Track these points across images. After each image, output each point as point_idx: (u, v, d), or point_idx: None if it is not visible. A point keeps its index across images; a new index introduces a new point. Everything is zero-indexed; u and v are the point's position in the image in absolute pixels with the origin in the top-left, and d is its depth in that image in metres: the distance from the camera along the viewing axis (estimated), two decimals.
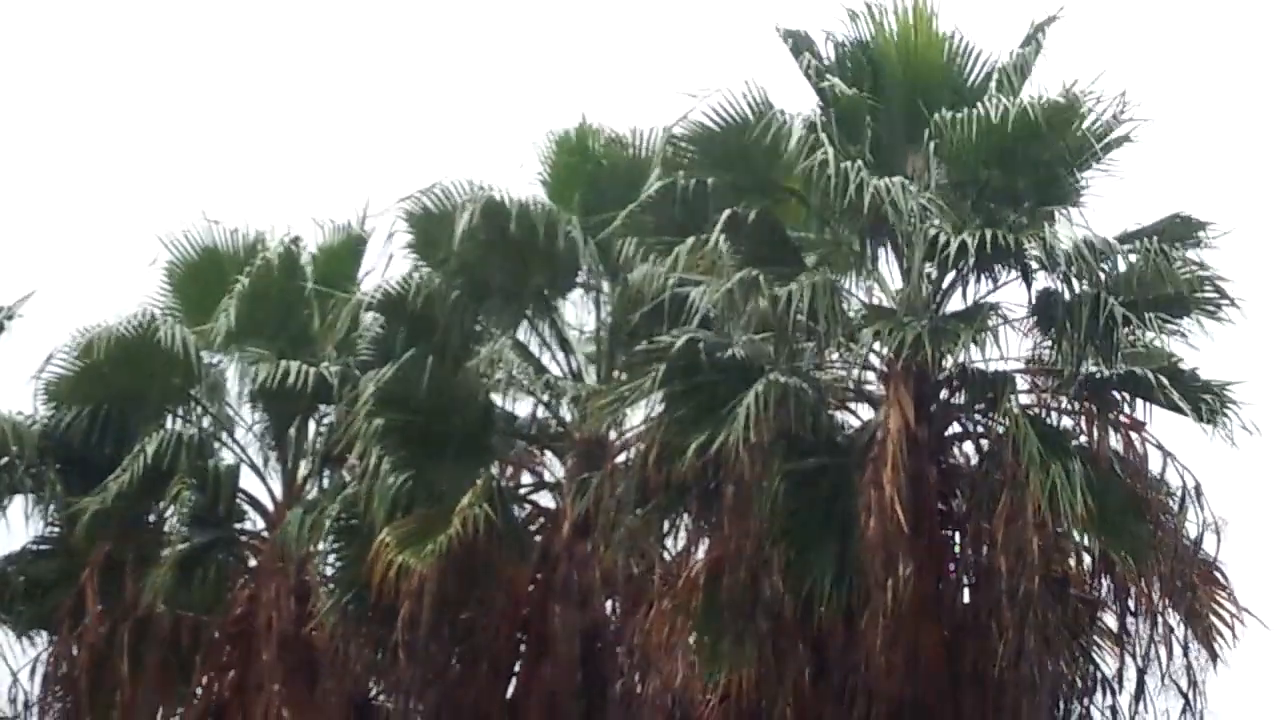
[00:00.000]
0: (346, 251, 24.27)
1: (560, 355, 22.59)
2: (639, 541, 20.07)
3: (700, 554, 19.45)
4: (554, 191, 22.87)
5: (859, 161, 18.78)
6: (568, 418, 22.27)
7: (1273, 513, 21.38)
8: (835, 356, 19.58)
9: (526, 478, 22.77)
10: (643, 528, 19.73)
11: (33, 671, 23.20)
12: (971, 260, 18.42)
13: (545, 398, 22.19)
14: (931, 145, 19.16)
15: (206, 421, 23.39)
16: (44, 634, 23.40)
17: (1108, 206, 19.54)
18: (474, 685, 21.32)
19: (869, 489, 17.97)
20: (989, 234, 18.26)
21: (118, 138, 33.61)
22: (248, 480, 23.29)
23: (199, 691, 22.99)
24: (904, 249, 19.25)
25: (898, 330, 18.46)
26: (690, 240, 19.01)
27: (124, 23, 32.62)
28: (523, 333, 22.67)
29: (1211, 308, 19.35)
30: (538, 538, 22.11)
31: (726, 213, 19.00)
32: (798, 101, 19.73)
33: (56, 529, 23.36)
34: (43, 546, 23.52)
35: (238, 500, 23.21)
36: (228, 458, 23.26)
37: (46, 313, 24.11)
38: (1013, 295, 19.17)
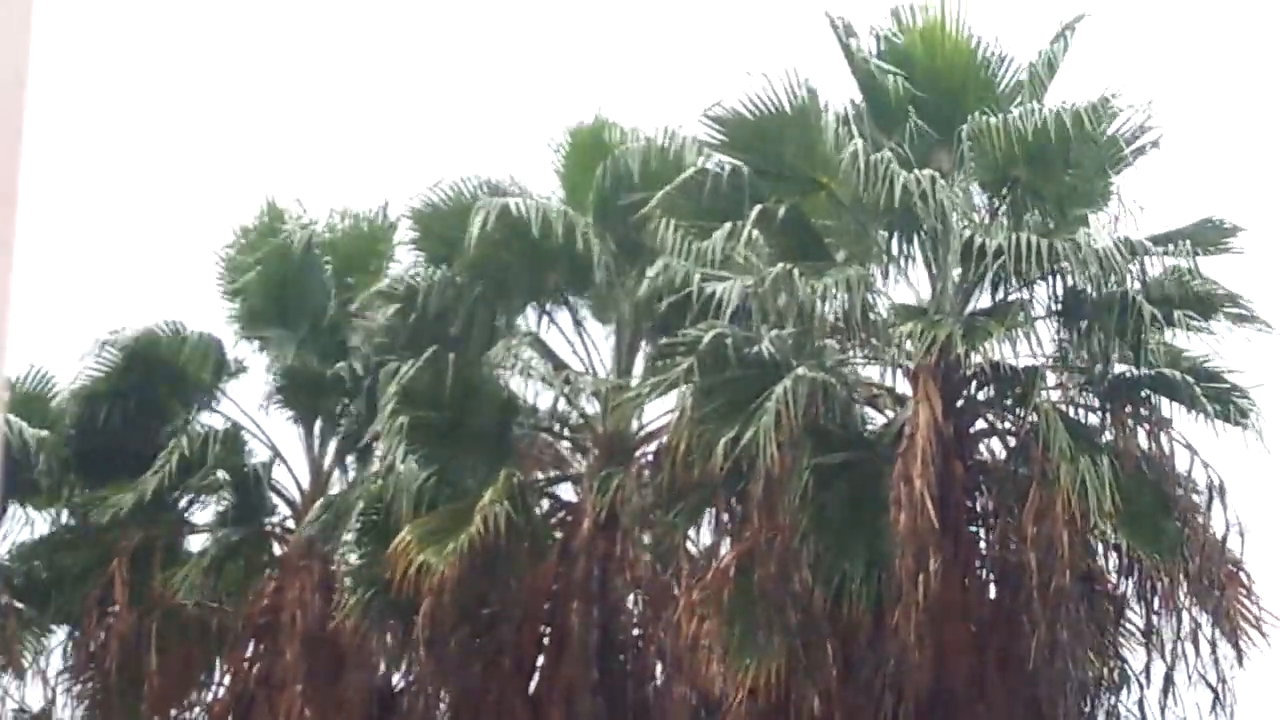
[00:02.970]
0: (367, 242, 24.31)
1: (581, 350, 22.63)
2: (667, 541, 20.13)
3: (727, 549, 19.50)
4: (568, 184, 22.85)
5: (888, 153, 18.88)
6: (589, 411, 22.30)
7: None
8: (864, 353, 19.64)
9: (548, 471, 22.80)
10: (672, 527, 19.79)
11: (64, 658, 23.29)
12: (1006, 262, 18.48)
13: (565, 392, 22.20)
14: (964, 148, 19.24)
15: (236, 414, 23.54)
16: (65, 626, 23.48)
17: (1139, 211, 19.63)
18: (496, 680, 21.34)
19: (899, 483, 18.03)
20: (1020, 238, 18.36)
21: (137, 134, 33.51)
22: (277, 472, 23.42)
23: (226, 684, 23.01)
24: (934, 247, 19.34)
25: (929, 329, 18.55)
26: (725, 227, 19.04)
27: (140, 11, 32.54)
28: (542, 328, 22.74)
29: (1239, 312, 19.40)
30: (558, 533, 22.14)
31: (757, 209, 19.08)
32: (830, 94, 19.88)
33: (77, 521, 23.40)
34: (66, 537, 23.55)
35: (267, 494, 23.26)
36: (258, 450, 23.39)
37: (81, 312, 24.23)
38: (1041, 291, 19.31)
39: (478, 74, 34.00)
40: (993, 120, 18.93)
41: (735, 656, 18.50)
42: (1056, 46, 20.05)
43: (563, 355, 22.49)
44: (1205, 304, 19.06)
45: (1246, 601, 18.95)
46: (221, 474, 22.58)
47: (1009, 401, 19.35)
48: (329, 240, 24.13)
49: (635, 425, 21.92)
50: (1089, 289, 18.78)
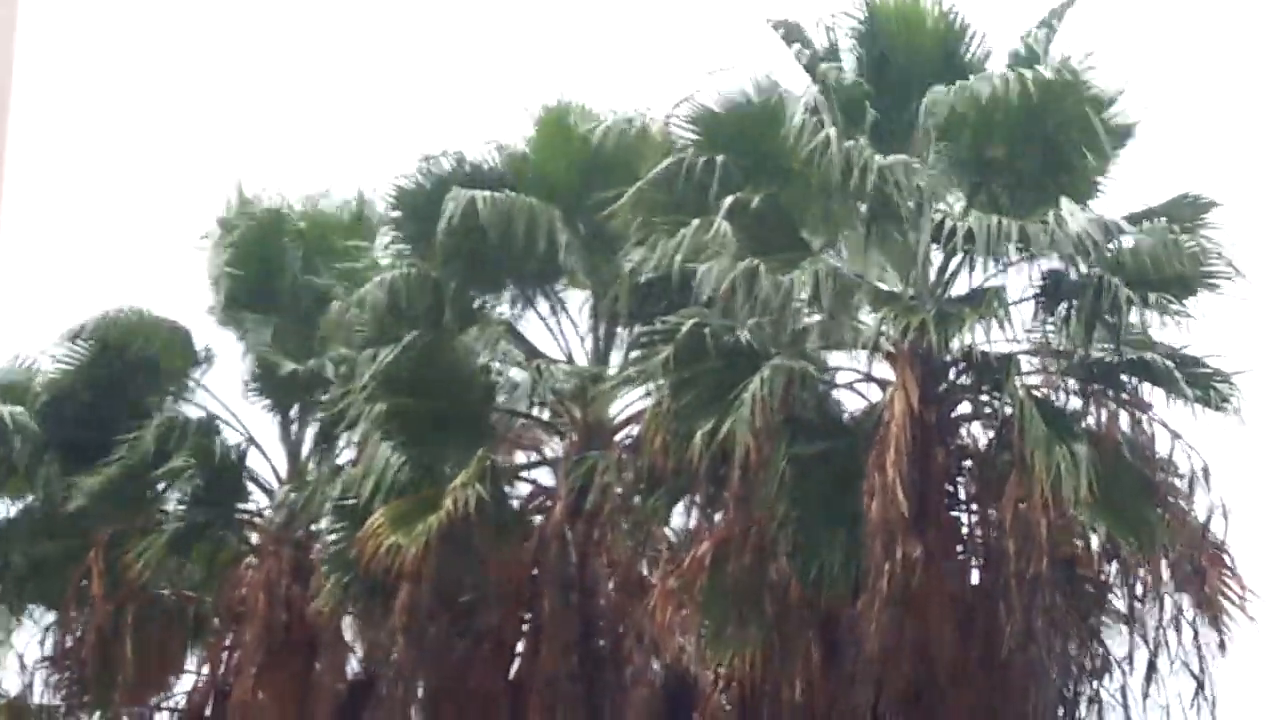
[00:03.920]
0: (341, 227, 24.13)
1: (558, 336, 22.47)
2: (646, 528, 20.00)
3: (705, 537, 19.34)
4: (536, 167, 22.55)
5: (862, 140, 18.68)
6: (566, 390, 22.11)
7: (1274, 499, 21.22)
8: (840, 340, 19.44)
9: (525, 456, 22.66)
10: (650, 515, 19.65)
11: (42, 644, 23.26)
12: (978, 244, 18.27)
13: (541, 379, 22.01)
14: (929, 122, 19.01)
15: (209, 401, 23.44)
16: (43, 611, 23.45)
17: (1115, 186, 19.45)
18: (476, 666, 21.24)
19: (873, 472, 17.88)
20: (994, 219, 18.16)
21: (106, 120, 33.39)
22: (256, 462, 23.36)
23: (204, 670, 22.99)
24: (909, 232, 19.14)
25: (904, 315, 18.38)
26: (695, 223, 18.88)
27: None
28: (519, 315, 22.56)
29: (1216, 287, 19.13)
30: (538, 517, 22.00)
31: (730, 199, 18.89)
32: (799, 89, 19.58)
33: (55, 507, 23.30)
34: (42, 524, 23.46)
35: (243, 479, 23.16)
36: (233, 438, 23.24)
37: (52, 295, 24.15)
38: (1019, 275, 19.10)
39: (443, 54, 33.88)
40: (959, 91, 18.68)
41: (711, 645, 18.40)
42: (1041, 32, 19.75)
43: (542, 342, 22.37)
44: (1183, 284, 18.78)
45: (1228, 587, 18.76)
46: (194, 460, 22.43)
47: (986, 387, 19.15)
48: (302, 226, 23.96)
49: (614, 410, 21.78)
50: (1066, 270, 18.60)
